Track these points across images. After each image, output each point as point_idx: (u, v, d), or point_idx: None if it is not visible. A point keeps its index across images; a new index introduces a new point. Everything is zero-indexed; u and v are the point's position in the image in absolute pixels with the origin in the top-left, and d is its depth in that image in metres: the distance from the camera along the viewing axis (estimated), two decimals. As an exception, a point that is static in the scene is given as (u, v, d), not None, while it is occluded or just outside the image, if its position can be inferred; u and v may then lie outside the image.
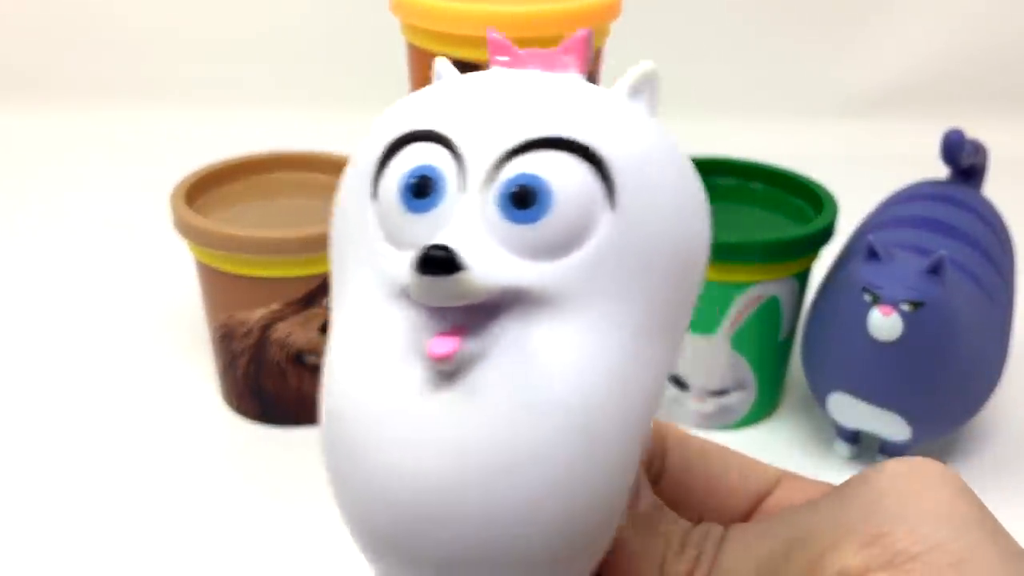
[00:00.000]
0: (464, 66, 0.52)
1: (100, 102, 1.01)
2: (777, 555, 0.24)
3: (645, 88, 0.23)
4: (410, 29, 0.51)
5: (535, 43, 0.50)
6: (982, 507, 0.23)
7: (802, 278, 0.54)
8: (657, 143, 0.22)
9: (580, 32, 0.24)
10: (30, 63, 1.02)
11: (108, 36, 1.02)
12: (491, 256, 0.20)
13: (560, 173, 0.20)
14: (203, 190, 0.56)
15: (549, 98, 0.22)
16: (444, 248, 0.19)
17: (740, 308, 0.52)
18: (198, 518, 0.48)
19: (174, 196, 0.54)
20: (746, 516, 0.29)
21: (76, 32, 1.01)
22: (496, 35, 0.24)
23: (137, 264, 0.73)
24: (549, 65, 0.24)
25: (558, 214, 0.20)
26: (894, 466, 0.24)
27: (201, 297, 0.55)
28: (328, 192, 0.58)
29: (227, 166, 0.58)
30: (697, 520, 0.27)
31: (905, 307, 0.45)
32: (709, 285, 0.51)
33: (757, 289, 0.52)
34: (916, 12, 1.00)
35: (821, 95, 1.02)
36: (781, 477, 0.30)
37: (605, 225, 0.20)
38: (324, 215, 0.54)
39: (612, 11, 0.51)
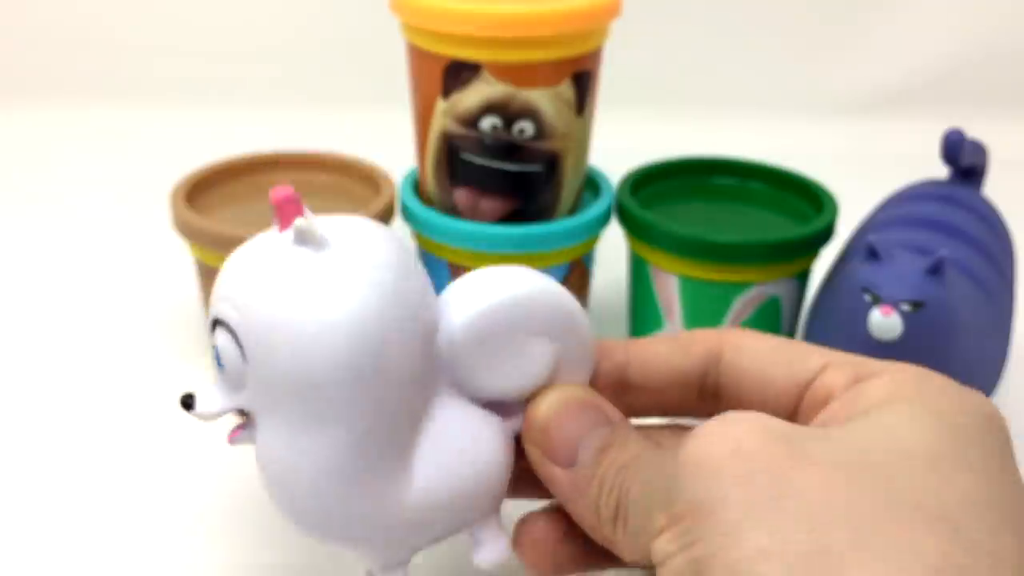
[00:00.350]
0: (464, 66, 0.53)
1: (100, 102, 1.01)
2: (642, 500, 0.28)
3: (305, 239, 0.31)
4: (410, 29, 0.51)
5: (534, 44, 0.50)
6: (772, 457, 0.25)
7: (802, 278, 0.54)
8: (281, 304, 0.31)
9: (279, 193, 0.32)
10: (30, 63, 1.02)
11: (108, 36, 1.02)
12: (215, 394, 0.34)
13: (220, 341, 0.32)
14: (203, 190, 0.56)
15: (227, 280, 0.33)
16: (186, 395, 0.34)
17: (740, 308, 0.53)
18: (199, 517, 0.48)
19: (174, 196, 0.54)
20: (794, 413, 0.31)
21: (76, 33, 1.02)
22: (276, 193, 0.33)
23: (137, 263, 0.73)
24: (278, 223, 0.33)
25: (227, 367, 0.32)
26: (711, 426, 0.27)
27: (200, 297, 0.55)
28: (328, 192, 0.59)
29: (227, 166, 0.58)
30: None
31: (905, 307, 0.45)
32: (710, 285, 0.52)
33: (757, 289, 0.52)
34: (916, 12, 1.01)
35: (821, 95, 1.02)
36: (827, 363, 0.31)
37: (247, 371, 0.32)
38: (324, 215, 0.54)
39: (612, 11, 0.51)
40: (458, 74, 0.50)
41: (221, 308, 0.32)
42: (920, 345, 0.46)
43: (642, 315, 0.56)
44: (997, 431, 0.27)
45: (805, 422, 0.31)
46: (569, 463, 0.31)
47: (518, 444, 0.35)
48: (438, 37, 0.50)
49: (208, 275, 0.53)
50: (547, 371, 0.34)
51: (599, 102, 0.55)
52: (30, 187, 0.88)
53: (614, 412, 0.32)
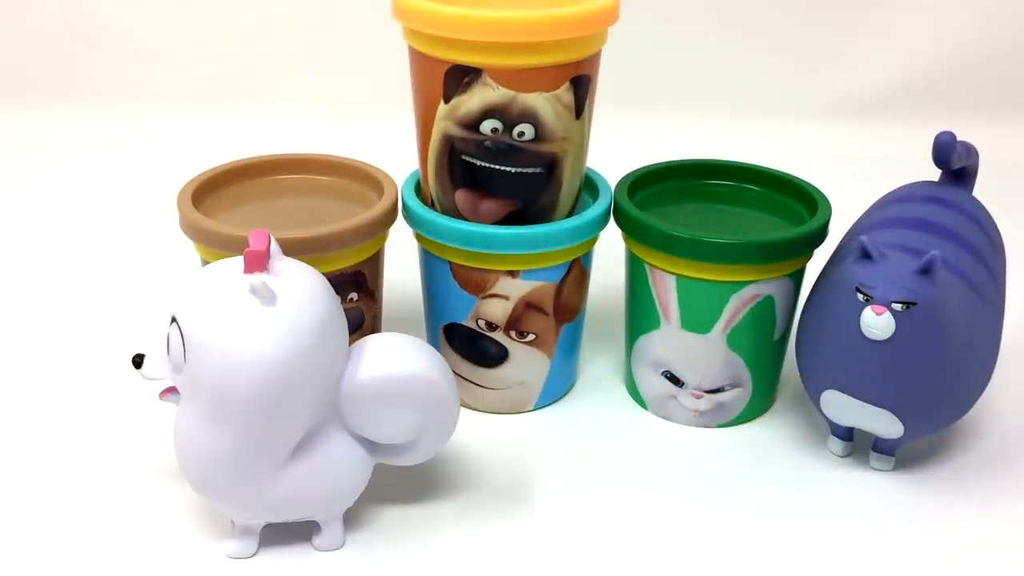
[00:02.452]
0: (465, 70, 0.54)
1: (108, 106, 1.02)
2: None
3: (255, 293, 0.41)
4: (412, 34, 0.52)
5: (534, 49, 0.51)
6: None
7: (796, 278, 0.55)
8: (220, 336, 0.41)
9: (253, 244, 0.42)
10: (39, 67, 1.03)
11: (116, 41, 1.03)
12: (160, 364, 0.44)
13: (172, 335, 0.42)
14: (209, 192, 0.57)
15: (191, 292, 0.42)
16: (138, 355, 0.44)
17: (735, 307, 0.53)
18: (203, 514, 0.49)
19: (181, 197, 0.54)
20: None
21: (86, 37, 1.03)
22: (252, 241, 0.42)
23: (145, 264, 0.74)
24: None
25: (172, 355, 0.43)
26: None
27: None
28: (330, 194, 0.59)
29: (232, 168, 0.59)
30: None
31: (897, 307, 0.46)
32: (705, 285, 0.53)
33: (752, 289, 0.53)
34: (909, 16, 1.01)
35: (814, 98, 1.03)
36: None
37: (185, 366, 0.42)
38: (326, 217, 0.55)
39: (610, 16, 0.52)
40: (459, 78, 0.51)
41: (180, 312, 0.42)
42: (912, 344, 0.47)
43: (640, 314, 0.57)
44: None
45: None
46: None
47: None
48: (439, 42, 0.50)
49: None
50: (410, 433, 0.46)
51: (597, 105, 0.56)
52: (41, 189, 0.88)
53: None
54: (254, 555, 0.47)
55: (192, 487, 0.45)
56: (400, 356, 0.45)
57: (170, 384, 0.44)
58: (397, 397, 0.45)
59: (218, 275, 0.42)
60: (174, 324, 0.42)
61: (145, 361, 0.44)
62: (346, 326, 0.45)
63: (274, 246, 0.44)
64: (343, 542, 0.48)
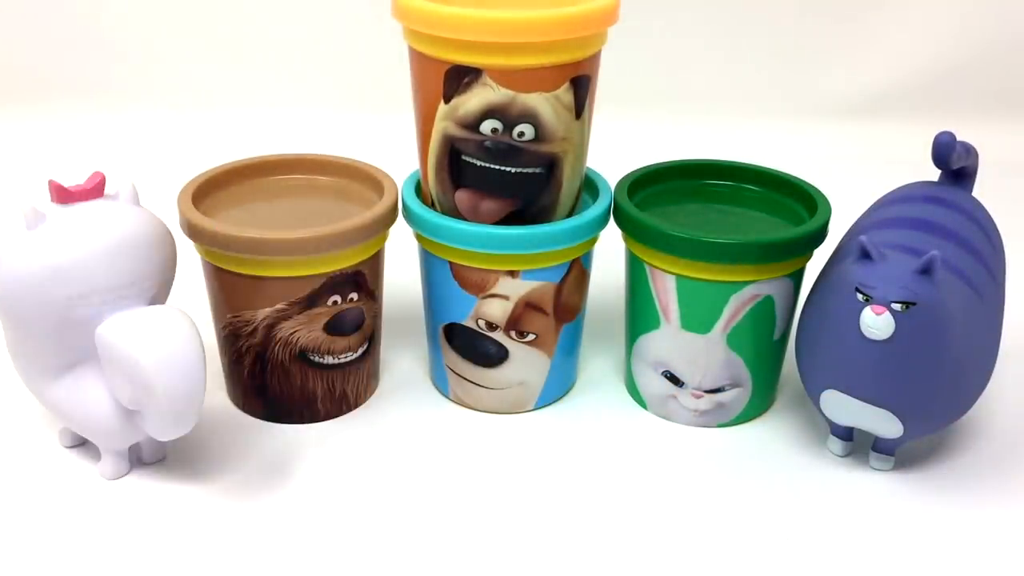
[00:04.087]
0: (465, 70, 0.53)
1: (109, 105, 1.02)
2: None
3: (25, 215, 0.46)
4: (412, 34, 0.52)
5: (534, 49, 0.51)
6: None
7: (796, 278, 0.55)
8: None
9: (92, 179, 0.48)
10: (41, 66, 1.03)
11: (116, 40, 1.03)
12: None
13: None
14: (209, 192, 0.57)
15: None
16: None
17: (735, 307, 0.53)
18: (204, 515, 0.49)
19: (181, 197, 0.55)
20: None
21: (85, 36, 1.02)
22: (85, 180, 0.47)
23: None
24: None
25: None
26: None
27: (207, 296, 0.56)
28: (330, 194, 0.59)
29: (233, 168, 0.59)
30: None
31: (897, 307, 0.46)
32: (705, 285, 0.53)
33: (752, 289, 0.53)
34: (908, 16, 1.01)
35: (814, 98, 1.03)
36: None
37: None
38: (327, 216, 0.55)
39: (610, 17, 0.52)
40: (459, 78, 0.51)
41: None
42: (911, 344, 0.47)
43: (640, 314, 0.57)
44: None
45: None
46: None
47: None
48: (439, 42, 0.50)
49: (214, 275, 0.54)
50: (128, 401, 0.47)
51: (597, 105, 0.56)
52: (38, 187, 0.88)
53: None
54: (126, 475, 0.52)
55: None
56: (136, 328, 0.46)
57: None
58: (112, 361, 0.46)
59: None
60: None
61: None
62: (122, 283, 0.47)
63: (120, 193, 0.49)
64: (113, 475, 0.51)
